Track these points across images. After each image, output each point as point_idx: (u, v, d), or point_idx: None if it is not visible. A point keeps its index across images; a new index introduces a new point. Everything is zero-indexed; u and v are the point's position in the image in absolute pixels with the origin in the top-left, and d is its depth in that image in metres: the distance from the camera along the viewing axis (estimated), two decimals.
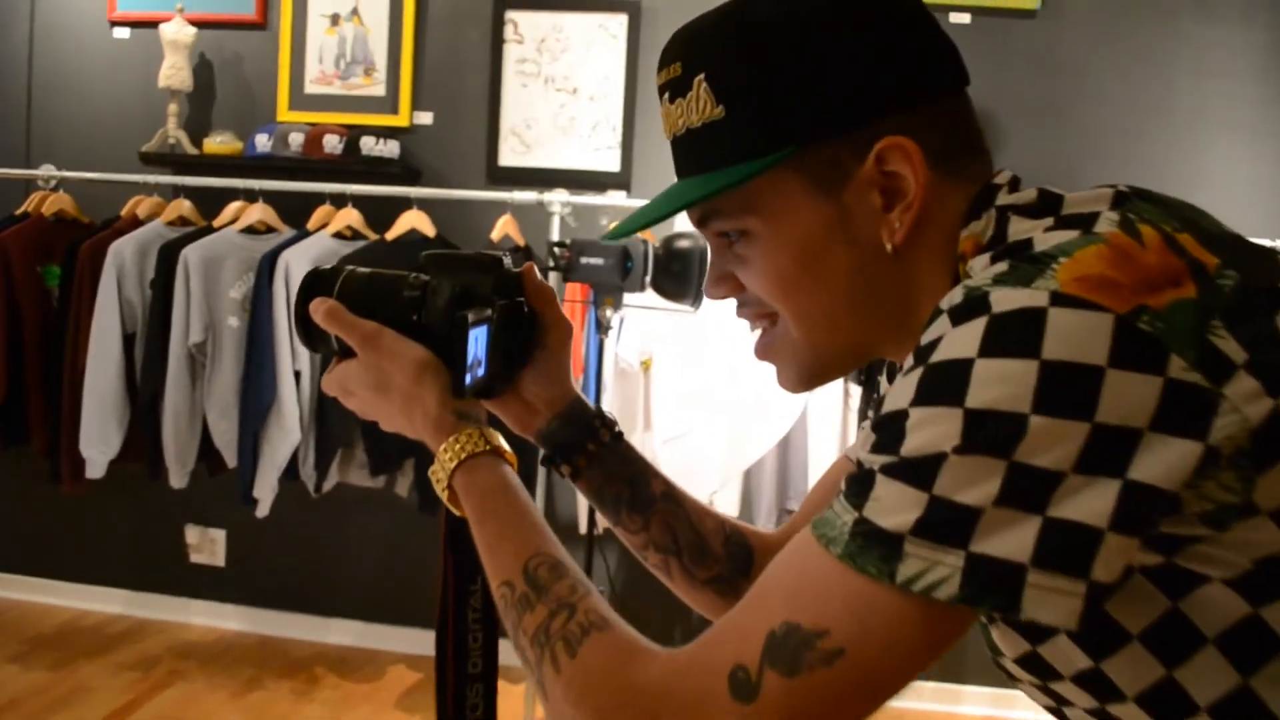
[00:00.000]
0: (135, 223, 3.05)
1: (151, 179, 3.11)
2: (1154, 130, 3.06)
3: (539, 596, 0.67)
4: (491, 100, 3.25)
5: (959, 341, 0.55)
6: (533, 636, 0.65)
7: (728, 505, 2.81)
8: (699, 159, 0.70)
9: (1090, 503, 0.51)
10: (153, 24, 3.27)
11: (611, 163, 3.19)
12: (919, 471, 0.53)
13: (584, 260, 2.40)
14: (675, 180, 0.74)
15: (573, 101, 3.21)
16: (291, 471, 2.93)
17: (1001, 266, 0.58)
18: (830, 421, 2.79)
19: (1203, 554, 0.56)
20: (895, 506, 0.54)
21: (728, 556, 0.90)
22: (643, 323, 2.78)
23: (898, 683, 0.56)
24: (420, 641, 3.40)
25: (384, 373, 0.78)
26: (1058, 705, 0.68)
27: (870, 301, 0.69)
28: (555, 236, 2.83)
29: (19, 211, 3.14)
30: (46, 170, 3.21)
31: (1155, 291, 0.53)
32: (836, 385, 2.77)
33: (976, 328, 0.54)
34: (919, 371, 0.56)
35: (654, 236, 2.72)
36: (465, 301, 0.79)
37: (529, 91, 3.23)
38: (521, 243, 2.97)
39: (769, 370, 0.77)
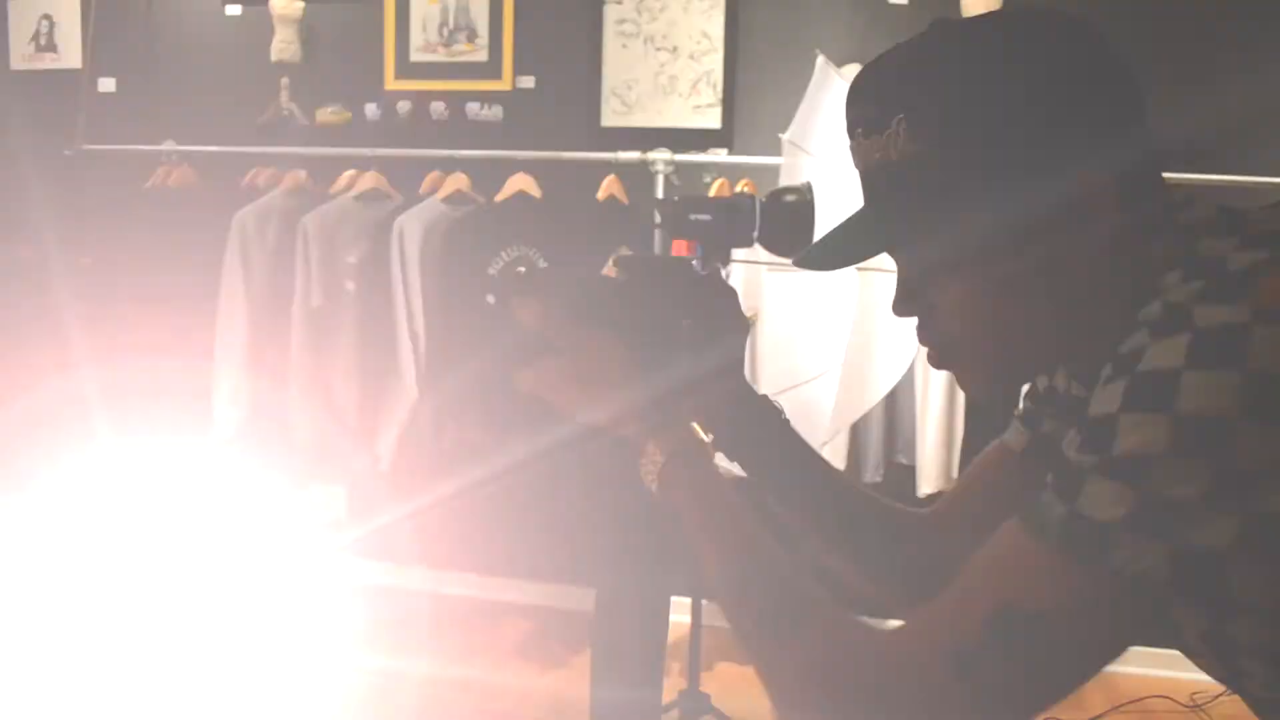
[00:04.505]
0: (255, 193, 3.17)
1: (268, 150, 3.24)
2: None
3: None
4: (592, 62, 3.29)
5: (1165, 353, 0.59)
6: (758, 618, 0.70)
7: (836, 457, 2.82)
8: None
9: None
10: (263, 0, 3.38)
11: (712, 120, 3.20)
12: (1130, 470, 0.58)
13: (692, 217, 2.41)
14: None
15: (672, 60, 3.23)
16: (410, 428, 3.03)
17: (1199, 284, 0.62)
18: (938, 374, 2.78)
19: None
20: (1107, 501, 0.59)
21: None
22: (749, 277, 2.80)
23: (1105, 656, 0.62)
24: (536, 593, 3.50)
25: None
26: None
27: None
28: (660, 195, 2.86)
29: (147, 185, 3.30)
30: (169, 145, 3.35)
31: None
32: None
33: (1181, 341, 0.59)
34: (1124, 380, 0.60)
35: (756, 189, 2.74)
36: None
37: (629, 52, 3.26)
38: (626, 202, 3.01)
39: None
